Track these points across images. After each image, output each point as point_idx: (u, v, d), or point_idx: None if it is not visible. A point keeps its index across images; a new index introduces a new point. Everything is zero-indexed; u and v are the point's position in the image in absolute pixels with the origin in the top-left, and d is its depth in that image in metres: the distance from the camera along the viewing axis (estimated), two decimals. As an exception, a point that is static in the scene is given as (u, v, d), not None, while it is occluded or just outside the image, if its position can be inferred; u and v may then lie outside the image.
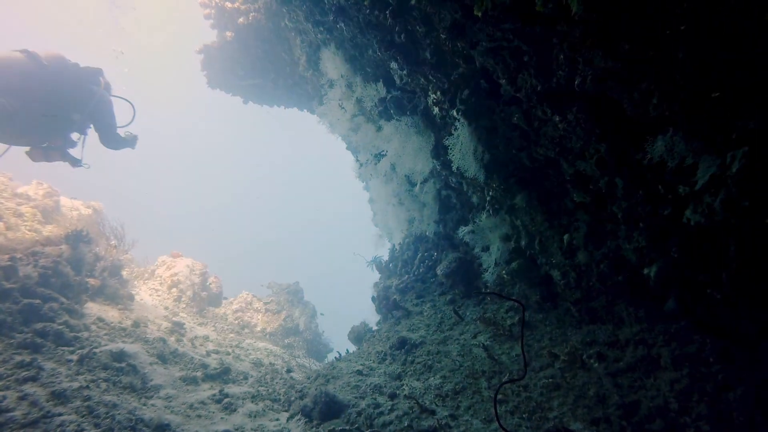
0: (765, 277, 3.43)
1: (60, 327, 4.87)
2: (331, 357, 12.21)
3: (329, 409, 4.22)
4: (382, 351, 5.75)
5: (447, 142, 4.75)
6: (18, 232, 7.95)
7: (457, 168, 4.94)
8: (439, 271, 6.46)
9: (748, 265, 3.45)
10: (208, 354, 6.23)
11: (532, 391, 4.13)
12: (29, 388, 3.69)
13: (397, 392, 4.54)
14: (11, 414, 3.34)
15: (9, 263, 5.21)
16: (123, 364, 4.56)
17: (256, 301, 11.78)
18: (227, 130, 66.48)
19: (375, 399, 4.48)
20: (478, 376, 4.62)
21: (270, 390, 5.15)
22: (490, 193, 5.52)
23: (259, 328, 10.87)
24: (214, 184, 71.17)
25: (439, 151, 5.41)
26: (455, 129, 4.76)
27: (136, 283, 9.26)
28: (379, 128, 6.49)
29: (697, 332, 3.93)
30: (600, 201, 4.43)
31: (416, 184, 6.50)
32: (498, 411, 4.06)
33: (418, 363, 5.22)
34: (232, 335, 8.90)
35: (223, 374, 5.19)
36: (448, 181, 6.04)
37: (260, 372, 6.26)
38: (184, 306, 9.79)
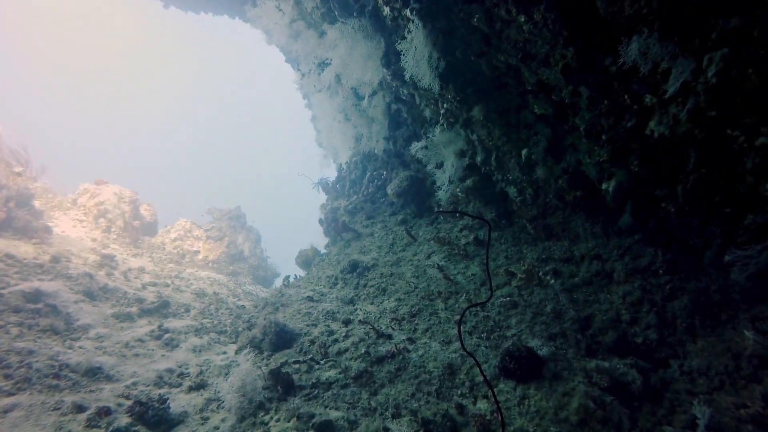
0: (717, 189, 3.41)
1: (-42, 267, 4.21)
2: (278, 282, 12.05)
3: (280, 339, 4.00)
4: (332, 275, 5.53)
5: (400, 47, 4.24)
6: None
7: (410, 77, 4.48)
8: (389, 191, 6.18)
9: (703, 177, 3.41)
10: (144, 287, 5.76)
11: (489, 310, 4.08)
12: None
13: (351, 318, 4.38)
14: None
15: None
16: (40, 305, 4.05)
17: (196, 229, 11.16)
18: (153, 42, 60.16)
19: (328, 326, 4.30)
20: (434, 298, 4.53)
21: (215, 322, 4.85)
22: (445, 106, 5.15)
23: (200, 257, 10.37)
24: (139, 106, 65.79)
25: (390, 59, 4.89)
26: (408, 32, 4.23)
27: (54, 213, 8.36)
28: (322, 34, 5.79)
29: (649, 245, 3.97)
30: (562, 113, 4.18)
31: (364, 98, 5.98)
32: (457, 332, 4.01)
33: (371, 286, 5.06)
34: (171, 265, 8.38)
35: (161, 308, 4.80)
36: (398, 93, 5.57)
37: (203, 303, 5.92)
38: (115, 237, 9.04)
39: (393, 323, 4.26)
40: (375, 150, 6.62)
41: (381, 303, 4.70)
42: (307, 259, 7.08)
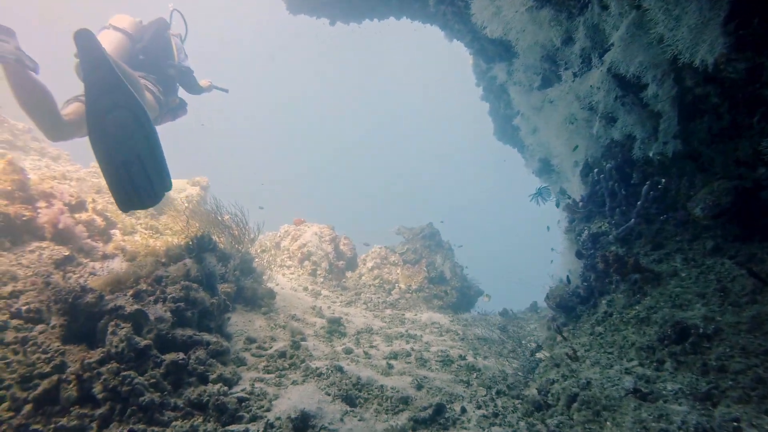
0: None
1: (217, 388, 3.62)
2: (484, 304, 10.76)
3: (663, 502, 2.57)
4: (646, 345, 3.93)
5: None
6: (135, 234, 7.01)
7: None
8: (699, 211, 4.29)
9: None
10: (389, 365, 4.84)
11: None
12: None
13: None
14: None
15: (137, 307, 3.98)
16: (314, 440, 3.21)
17: (391, 254, 10.43)
18: (306, 71, 64.79)
19: (724, 467, 2.75)
20: None
21: (508, 431, 3.61)
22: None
23: (403, 285, 9.56)
24: (307, 135, 71.54)
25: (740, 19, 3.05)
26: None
27: (262, 259, 8.16)
28: (571, 14, 4.18)
29: None
30: None
31: (647, 86, 4.21)
32: None
33: (735, 373, 3.33)
34: (388, 311, 7.61)
35: (437, 415, 3.72)
36: (713, 71, 3.67)
37: (458, 378, 4.81)
38: (322, 280, 8.64)
39: None
40: (649, 152, 4.78)
41: (781, 410, 2.96)
42: (562, 300, 5.55)
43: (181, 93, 6.22)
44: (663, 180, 4.96)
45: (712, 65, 3.21)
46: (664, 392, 3.47)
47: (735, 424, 2.98)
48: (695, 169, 4.66)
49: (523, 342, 7.18)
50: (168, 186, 4.28)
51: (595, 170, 5.50)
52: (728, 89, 3.90)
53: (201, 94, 6.51)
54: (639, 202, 4.98)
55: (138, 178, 4.02)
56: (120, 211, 7.53)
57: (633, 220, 4.92)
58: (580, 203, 5.66)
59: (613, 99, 4.71)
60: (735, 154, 4.18)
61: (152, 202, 4.22)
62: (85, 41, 3.86)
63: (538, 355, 5.58)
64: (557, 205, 7.57)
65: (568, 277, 5.78)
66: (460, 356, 5.48)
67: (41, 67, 4.16)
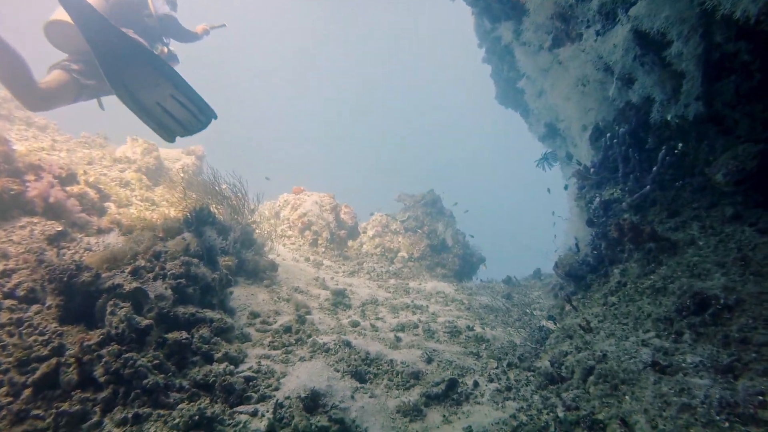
0: None
1: (223, 368, 3.51)
2: (486, 271, 10.68)
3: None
4: (662, 315, 3.83)
5: None
6: (131, 207, 6.81)
7: None
8: (720, 177, 4.11)
9: None
10: (397, 338, 4.76)
11: None
12: None
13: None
14: None
15: (136, 285, 3.81)
16: (323, 420, 3.12)
17: (392, 222, 10.27)
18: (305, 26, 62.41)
19: (752, 445, 2.66)
20: None
21: (523, 405, 3.53)
22: None
23: (405, 254, 9.45)
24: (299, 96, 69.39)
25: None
26: None
27: (262, 230, 7.99)
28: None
29: None
30: None
31: (670, 44, 3.94)
32: None
33: (758, 344, 3.24)
34: (392, 281, 7.50)
35: (450, 390, 3.63)
36: (754, 24, 3.41)
37: (469, 350, 4.73)
38: (323, 250, 8.50)
39: None
40: (670, 115, 4.55)
41: (809, 383, 2.87)
42: (572, 270, 5.43)
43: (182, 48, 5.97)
44: (680, 144, 4.76)
45: (754, 17, 2.95)
46: (683, 365, 3.38)
47: (760, 398, 2.90)
48: (717, 132, 4.44)
49: (528, 310, 7.14)
50: (213, 114, 4.53)
51: (608, 135, 5.27)
52: (763, 45, 3.64)
53: (197, 41, 6.23)
54: (654, 168, 4.78)
55: (178, 113, 4.29)
56: (112, 180, 7.31)
57: (648, 186, 4.73)
58: (592, 169, 5.46)
59: (632, 59, 4.43)
60: (764, 115, 3.95)
61: (198, 129, 4.56)
62: (71, 1, 3.62)
63: (547, 323, 5.51)
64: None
65: (576, 244, 5.65)
66: (468, 327, 5.40)
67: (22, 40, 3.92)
